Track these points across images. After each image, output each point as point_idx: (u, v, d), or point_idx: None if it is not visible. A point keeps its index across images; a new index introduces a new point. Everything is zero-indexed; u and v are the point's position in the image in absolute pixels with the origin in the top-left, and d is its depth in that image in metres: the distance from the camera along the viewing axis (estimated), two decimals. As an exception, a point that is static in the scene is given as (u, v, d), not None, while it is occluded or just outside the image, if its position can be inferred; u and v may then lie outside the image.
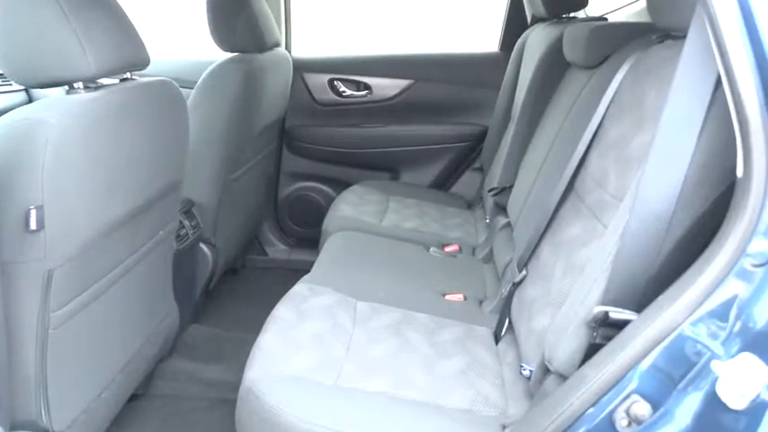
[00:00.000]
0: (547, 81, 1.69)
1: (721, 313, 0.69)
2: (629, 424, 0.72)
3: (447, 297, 1.53)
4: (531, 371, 1.12)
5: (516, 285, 1.33)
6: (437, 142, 2.44)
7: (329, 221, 1.98)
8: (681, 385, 0.70)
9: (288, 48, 2.43)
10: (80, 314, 1.15)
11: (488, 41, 2.52)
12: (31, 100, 2.14)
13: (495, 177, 1.99)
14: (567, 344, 0.93)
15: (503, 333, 1.35)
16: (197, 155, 1.80)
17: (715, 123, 0.81)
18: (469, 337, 1.35)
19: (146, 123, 1.25)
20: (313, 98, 2.44)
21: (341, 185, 2.51)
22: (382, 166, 2.50)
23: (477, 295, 1.57)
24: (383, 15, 3.68)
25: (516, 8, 2.36)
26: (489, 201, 1.94)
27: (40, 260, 1.00)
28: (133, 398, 1.55)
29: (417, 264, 1.70)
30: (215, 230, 1.92)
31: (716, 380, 0.67)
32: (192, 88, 1.79)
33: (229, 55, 1.86)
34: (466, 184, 2.46)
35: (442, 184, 2.49)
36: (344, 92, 2.44)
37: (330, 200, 2.50)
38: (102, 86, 1.12)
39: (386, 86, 2.42)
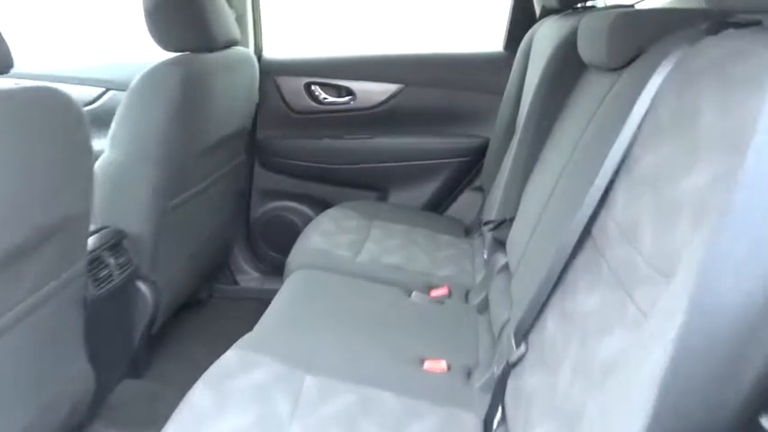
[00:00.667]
0: (556, 87, 1.33)
1: None
2: None
3: (426, 365, 1.19)
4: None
5: (512, 366, 0.99)
6: (431, 157, 2.09)
7: (294, 256, 1.64)
8: None
9: (258, 48, 2.10)
10: None
11: (491, 39, 2.17)
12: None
13: (494, 204, 1.64)
14: None
15: (495, 426, 1.00)
16: (127, 177, 1.48)
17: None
18: (450, 430, 1.00)
19: (9, 144, 0.92)
20: (287, 105, 2.11)
21: (321, 205, 2.18)
22: (368, 183, 2.16)
23: (466, 362, 1.22)
24: (368, 11, 3.32)
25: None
26: (488, 233, 1.59)
27: None
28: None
29: (393, 317, 1.35)
30: (154, 265, 1.59)
31: None
32: None
33: (170, 55, 1.53)
34: (464, 205, 2.11)
35: (437, 205, 2.14)
36: (324, 98, 2.11)
37: (308, 222, 2.18)
38: None
39: (372, 92, 2.08)
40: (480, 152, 2.05)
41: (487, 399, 1.07)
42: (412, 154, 2.10)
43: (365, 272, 1.55)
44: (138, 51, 2.26)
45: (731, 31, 0.77)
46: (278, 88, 2.09)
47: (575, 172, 1.05)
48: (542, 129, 1.34)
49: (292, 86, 2.10)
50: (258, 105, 2.05)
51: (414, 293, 1.46)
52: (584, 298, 0.86)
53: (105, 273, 1.40)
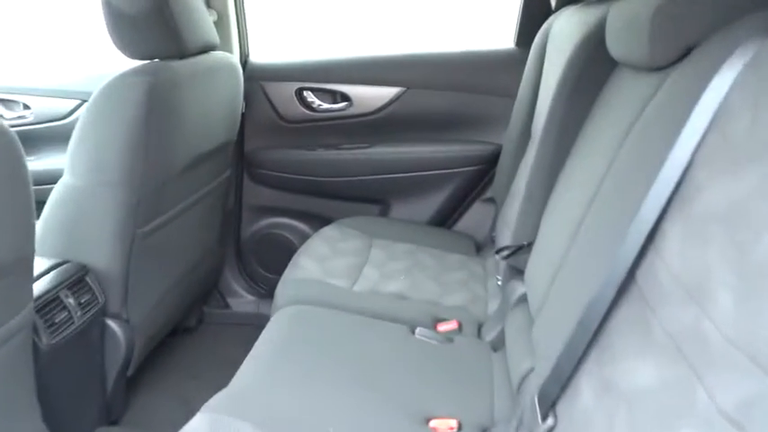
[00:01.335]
0: (580, 90, 1.13)
1: None
2: None
3: (433, 424, 1.00)
4: None
5: (537, 442, 0.79)
6: (436, 167, 1.89)
7: (282, 287, 1.46)
8: None
9: (243, 52, 1.91)
10: None
11: (501, 35, 1.96)
12: None
13: (508, 222, 1.44)
14: None
15: None
16: (87, 204, 1.31)
17: None
18: None
19: None
20: (277, 113, 1.92)
21: (317, 221, 2.00)
22: (367, 197, 1.97)
23: (480, 420, 1.03)
24: (362, 10, 3.11)
25: (537, -12, 1.80)
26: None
27: None
28: None
29: (394, 362, 1.16)
30: (125, 300, 1.41)
31: None
32: None
33: (135, 64, 1.35)
34: (474, 219, 1.91)
35: (444, 219, 1.94)
36: (317, 105, 1.92)
37: (304, 239, 1.99)
38: None
39: (369, 97, 1.89)
40: (491, 160, 1.85)
41: (507, 472, 0.88)
42: (415, 164, 1.91)
43: (363, 305, 1.36)
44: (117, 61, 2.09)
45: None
46: (266, 95, 1.91)
47: (611, 196, 0.85)
48: (565, 139, 1.14)
49: (282, 93, 1.91)
50: (245, 115, 1.87)
51: (418, 330, 1.27)
52: (632, 367, 0.67)
53: (64, 315, 1.23)
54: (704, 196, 0.62)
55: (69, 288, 1.26)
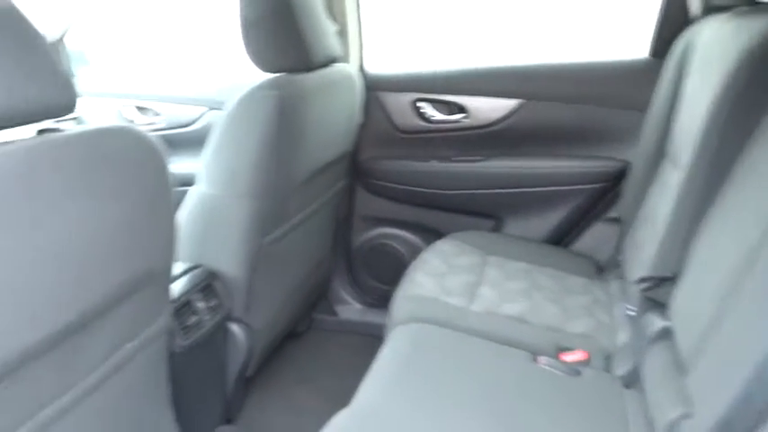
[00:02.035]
0: (743, 111, 1.02)
1: None
2: None
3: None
4: None
5: None
6: (556, 182, 1.81)
7: (399, 302, 1.44)
8: None
9: (360, 64, 1.93)
10: None
11: (634, 44, 1.85)
12: None
13: (641, 246, 1.35)
14: None
15: None
16: (220, 213, 1.35)
17: None
18: None
19: (83, 193, 0.79)
20: (393, 124, 1.92)
21: (428, 233, 1.98)
22: (481, 211, 1.92)
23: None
24: (482, 17, 3.04)
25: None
26: (635, 284, 1.30)
27: None
28: None
29: (518, 391, 1.11)
30: (249, 306, 1.46)
31: None
32: None
33: (267, 77, 1.38)
34: (595, 239, 1.81)
35: (561, 238, 1.85)
36: (432, 116, 1.90)
37: (415, 251, 1.98)
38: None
39: (487, 108, 1.84)
40: (616, 178, 1.75)
41: None
42: (532, 179, 1.83)
43: (482, 327, 1.31)
44: (241, 70, 2.18)
45: None
46: (382, 106, 1.91)
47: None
48: (719, 167, 1.03)
49: (398, 104, 1.90)
50: (361, 125, 1.88)
51: (541, 359, 1.21)
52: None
53: (194, 319, 1.28)
54: None
55: (199, 292, 1.31)
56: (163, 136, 2.25)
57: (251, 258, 1.39)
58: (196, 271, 1.34)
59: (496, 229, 1.92)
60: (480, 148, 1.87)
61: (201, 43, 2.69)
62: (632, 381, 1.15)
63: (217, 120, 1.35)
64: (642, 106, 1.62)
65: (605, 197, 1.78)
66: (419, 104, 1.89)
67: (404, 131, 1.92)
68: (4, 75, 0.69)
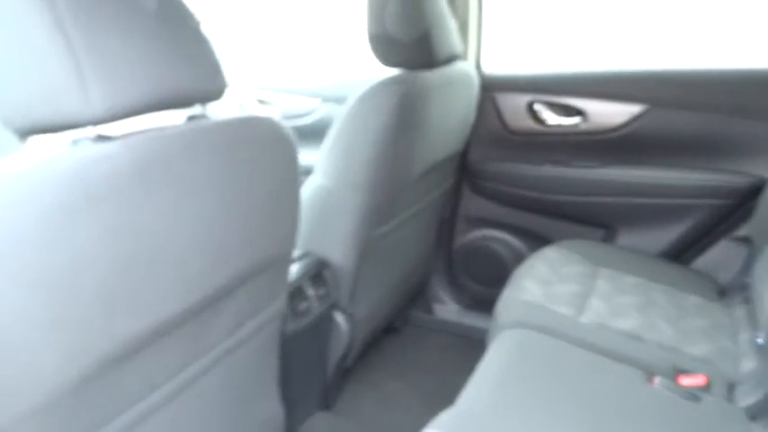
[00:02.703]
0: None
1: None
2: None
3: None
4: None
5: None
6: (678, 195, 1.71)
7: (504, 306, 1.42)
8: None
9: (476, 62, 1.91)
10: None
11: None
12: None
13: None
14: None
15: None
16: (335, 204, 1.39)
17: None
18: None
19: (222, 179, 0.84)
20: (505, 126, 1.89)
21: (533, 239, 1.93)
22: (592, 220, 1.85)
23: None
24: (606, 17, 2.90)
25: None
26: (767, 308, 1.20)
27: None
28: None
29: (630, 412, 1.06)
30: (353, 297, 1.49)
31: None
32: None
33: (390, 72, 1.40)
34: (717, 258, 1.69)
35: (679, 254, 1.75)
36: (547, 118, 1.85)
37: (517, 256, 1.95)
38: (130, 134, 0.73)
39: (607, 113, 1.77)
40: (748, 194, 1.62)
41: None
42: (652, 189, 1.74)
43: (592, 339, 1.26)
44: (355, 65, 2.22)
45: None
46: (496, 106, 1.88)
47: None
48: None
49: (513, 105, 1.87)
50: (473, 125, 1.86)
51: (657, 380, 1.15)
52: None
53: (305, 305, 1.32)
54: None
55: (310, 279, 1.36)
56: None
57: (360, 250, 1.42)
58: (308, 259, 1.39)
59: (607, 239, 1.84)
60: (598, 154, 1.80)
61: (317, 38, 2.77)
62: (759, 413, 1.07)
63: (337, 113, 1.39)
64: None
65: (734, 214, 1.66)
66: (535, 107, 1.85)
67: (515, 133, 1.88)
68: (163, 58, 0.73)
